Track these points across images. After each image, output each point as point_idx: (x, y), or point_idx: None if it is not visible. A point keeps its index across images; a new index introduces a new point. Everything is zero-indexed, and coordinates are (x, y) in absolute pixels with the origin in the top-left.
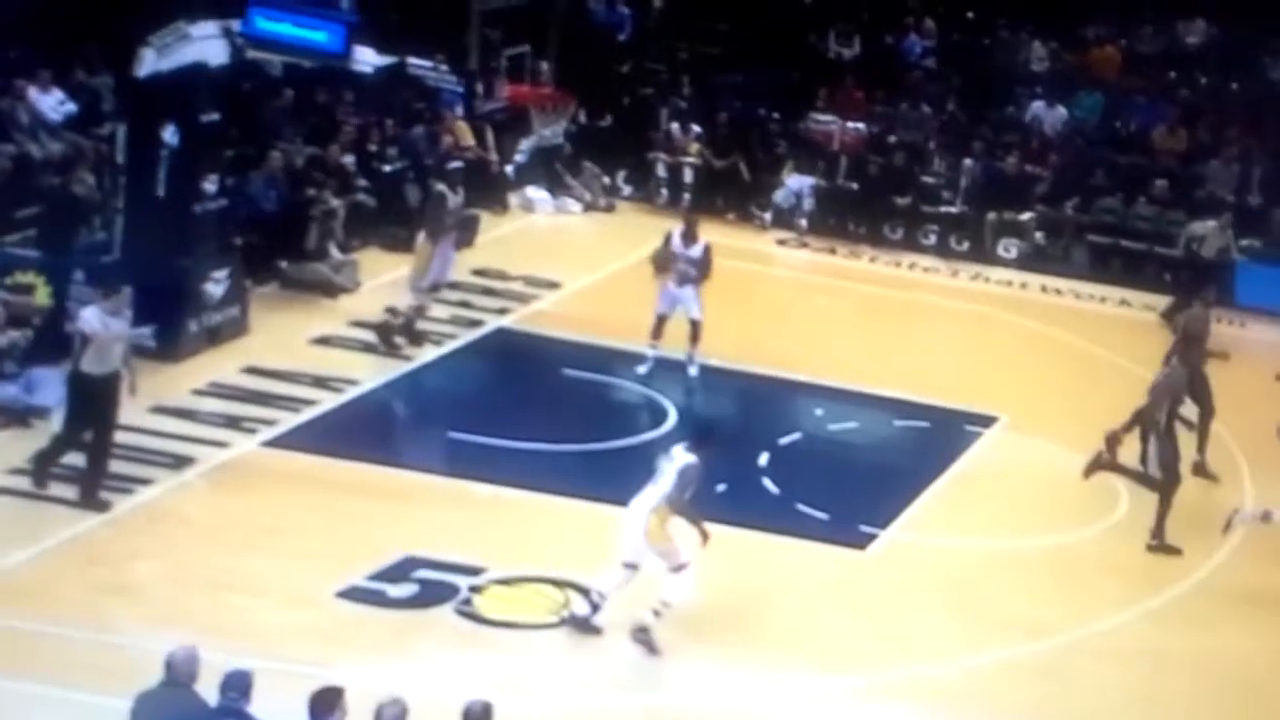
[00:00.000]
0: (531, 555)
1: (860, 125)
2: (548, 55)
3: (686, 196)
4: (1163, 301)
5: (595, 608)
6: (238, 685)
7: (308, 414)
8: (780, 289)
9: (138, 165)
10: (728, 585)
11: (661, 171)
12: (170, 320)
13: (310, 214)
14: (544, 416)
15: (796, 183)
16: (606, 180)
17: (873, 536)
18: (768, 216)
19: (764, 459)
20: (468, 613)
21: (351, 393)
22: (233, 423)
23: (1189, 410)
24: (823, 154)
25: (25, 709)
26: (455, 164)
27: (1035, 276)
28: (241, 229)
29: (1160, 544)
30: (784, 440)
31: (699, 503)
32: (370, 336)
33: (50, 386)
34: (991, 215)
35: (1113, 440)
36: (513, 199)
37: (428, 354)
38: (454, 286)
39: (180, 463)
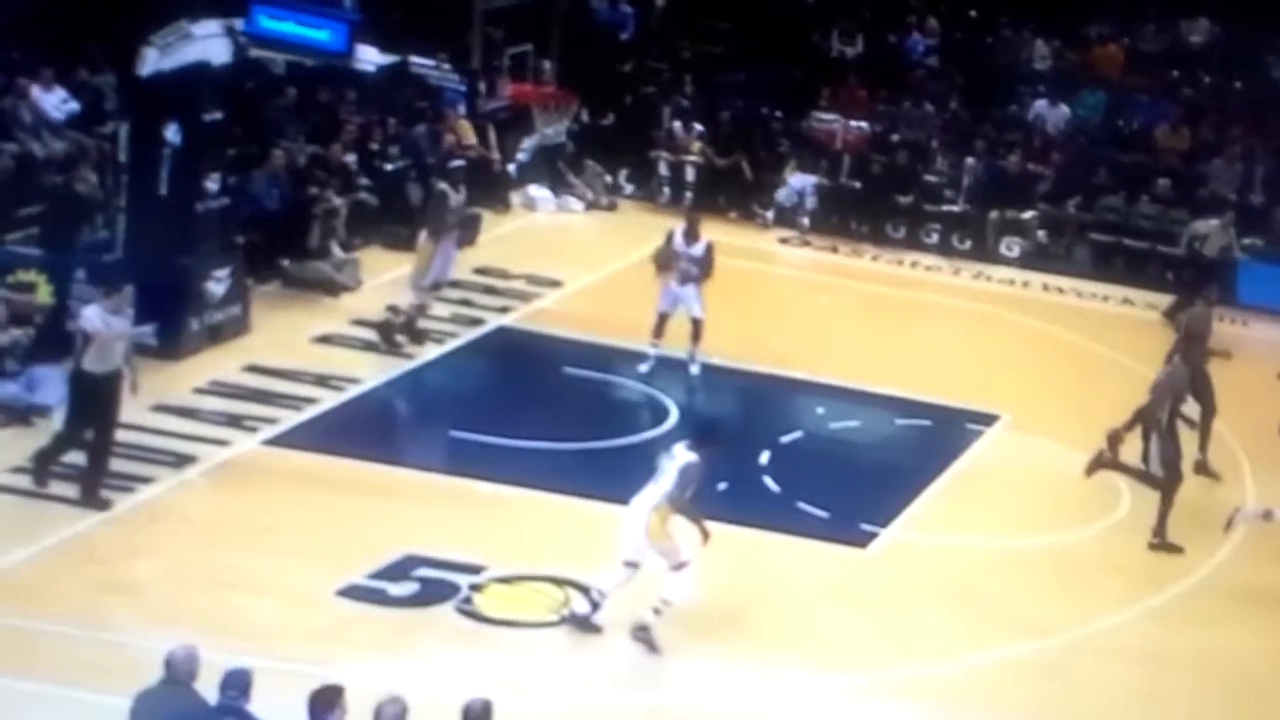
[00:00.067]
0: (532, 554)
1: (863, 124)
2: (550, 54)
3: (689, 195)
4: (1165, 300)
5: (596, 606)
6: (237, 684)
7: (309, 412)
8: (782, 288)
9: (140, 164)
10: (729, 584)
11: (664, 170)
12: (172, 318)
13: (312, 212)
14: (545, 415)
15: (799, 181)
16: (609, 179)
17: (874, 535)
18: (770, 215)
19: (765, 457)
20: (468, 611)
21: (353, 391)
22: (234, 421)
23: (1191, 409)
24: (825, 153)
25: (25, 707)
26: (457, 162)
27: (1037, 275)
28: (244, 227)
29: (1162, 542)
30: (785, 439)
31: (700, 501)
32: (372, 335)
33: (52, 385)
34: (994, 214)
35: (1114, 439)
36: (515, 197)
37: (429, 352)
38: (456, 285)
39: (181, 461)
